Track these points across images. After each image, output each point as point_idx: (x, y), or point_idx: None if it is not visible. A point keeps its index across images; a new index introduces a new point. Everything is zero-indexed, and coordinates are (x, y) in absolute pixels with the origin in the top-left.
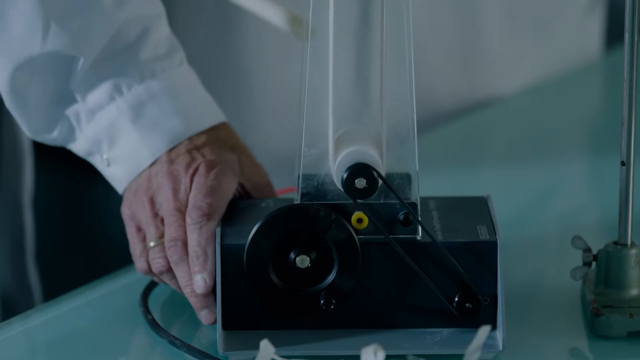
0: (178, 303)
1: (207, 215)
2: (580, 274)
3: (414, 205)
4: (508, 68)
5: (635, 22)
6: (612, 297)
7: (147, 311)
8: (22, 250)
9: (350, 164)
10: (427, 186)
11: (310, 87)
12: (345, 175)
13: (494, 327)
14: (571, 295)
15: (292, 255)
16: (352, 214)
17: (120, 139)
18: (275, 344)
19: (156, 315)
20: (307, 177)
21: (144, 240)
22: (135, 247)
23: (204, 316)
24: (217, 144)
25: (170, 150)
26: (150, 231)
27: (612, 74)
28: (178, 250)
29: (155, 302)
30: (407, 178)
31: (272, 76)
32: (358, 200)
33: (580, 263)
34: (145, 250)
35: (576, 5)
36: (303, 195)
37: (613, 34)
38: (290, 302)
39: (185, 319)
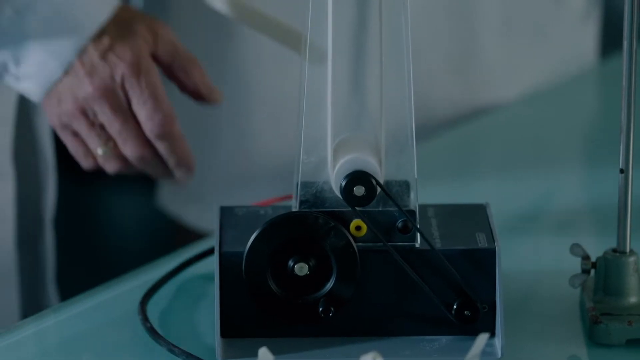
0: (177, 310)
1: (169, 124)
2: (579, 282)
3: (412, 212)
4: (505, 75)
5: (634, 28)
6: (610, 305)
7: (145, 319)
8: (42, 269)
9: (349, 172)
10: (425, 194)
11: (308, 95)
12: (343, 183)
13: (493, 335)
14: (570, 303)
15: (291, 263)
16: (350, 221)
17: (24, 57)
18: (274, 351)
19: (155, 322)
20: (305, 185)
21: (83, 143)
22: (77, 151)
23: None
24: (122, 35)
25: (81, 58)
26: (93, 140)
27: (608, 81)
28: (149, 162)
29: (154, 309)
30: (405, 185)
31: (270, 84)
32: (357, 208)
33: (579, 270)
34: (90, 152)
35: (572, 12)
36: (302, 203)
37: (608, 41)
38: (289, 309)
39: (184, 326)
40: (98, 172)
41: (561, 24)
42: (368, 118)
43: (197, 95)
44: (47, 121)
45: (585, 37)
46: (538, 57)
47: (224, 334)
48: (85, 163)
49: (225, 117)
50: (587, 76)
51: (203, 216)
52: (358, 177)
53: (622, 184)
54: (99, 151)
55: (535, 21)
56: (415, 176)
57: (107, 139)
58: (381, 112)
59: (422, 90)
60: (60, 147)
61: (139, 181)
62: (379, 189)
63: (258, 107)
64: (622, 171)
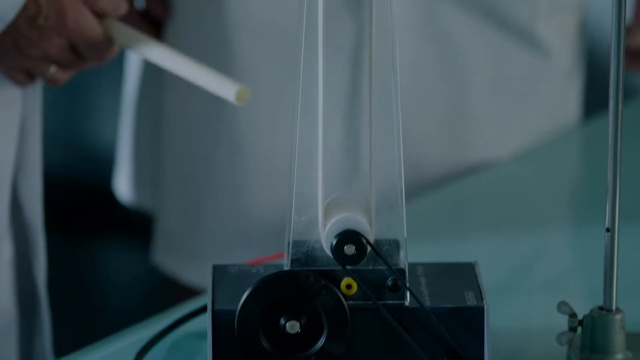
0: None
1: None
2: (566, 339)
3: (402, 271)
4: (494, 135)
5: (620, 89)
6: None
7: None
8: (39, 333)
9: (340, 231)
10: (415, 252)
11: (299, 155)
12: (334, 242)
13: None
14: None
15: (283, 321)
16: (341, 280)
17: None
18: None
19: None
20: (297, 244)
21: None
22: (22, 82)
23: None
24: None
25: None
26: (41, 68)
27: (591, 140)
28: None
29: None
30: (395, 244)
31: (264, 145)
32: (347, 267)
33: (566, 328)
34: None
35: (558, 71)
36: (293, 262)
37: (591, 100)
38: None
39: None
40: (93, 231)
41: (548, 83)
42: (358, 178)
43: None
44: (37, 188)
45: (570, 96)
46: (526, 117)
47: None
48: (29, 84)
49: (220, 176)
50: (571, 135)
51: (199, 273)
52: (348, 236)
53: (608, 242)
54: (52, 71)
55: (524, 81)
56: (405, 235)
57: (49, 60)
58: (370, 172)
59: (413, 149)
60: (55, 206)
61: (134, 239)
62: (369, 248)
63: (252, 166)
64: (608, 230)
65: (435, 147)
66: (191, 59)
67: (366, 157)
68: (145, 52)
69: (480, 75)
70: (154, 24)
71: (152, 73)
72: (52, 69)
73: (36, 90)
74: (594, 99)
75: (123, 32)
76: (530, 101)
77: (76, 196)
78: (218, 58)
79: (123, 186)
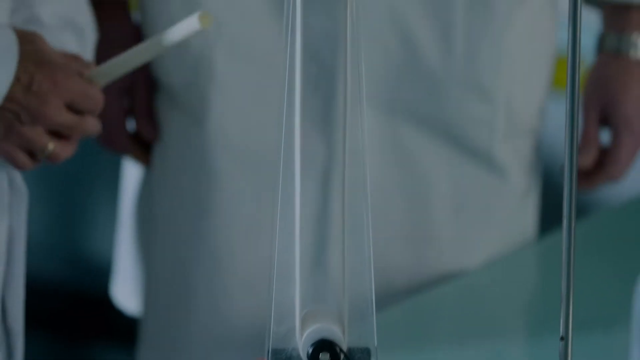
0: None
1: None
2: None
3: None
4: (456, 250)
5: (573, 207)
6: None
7: None
8: None
9: (315, 340)
10: (385, 358)
11: (278, 271)
12: (310, 350)
13: None
14: None
15: None
16: None
17: None
18: None
19: None
20: (276, 352)
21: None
22: (25, 162)
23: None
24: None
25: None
26: (41, 142)
27: (546, 255)
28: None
29: None
30: (367, 352)
31: (242, 258)
32: None
33: None
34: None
35: (514, 192)
36: None
37: (546, 218)
38: None
39: None
40: (86, 334)
41: (505, 202)
42: (332, 291)
43: None
44: (20, 297)
45: (526, 213)
46: (486, 233)
47: None
48: (31, 166)
49: (202, 286)
50: (528, 249)
51: None
52: (323, 345)
53: (562, 350)
54: (50, 148)
55: (483, 200)
56: (375, 344)
57: (49, 133)
58: (343, 286)
59: (380, 263)
60: (48, 309)
61: (123, 341)
62: (342, 356)
63: (232, 278)
64: (562, 339)
65: (400, 261)
66: (151, 38)
67: (339, 271)
68: (121, 70)
69: (441, 194)
70: (143, 144)
71: (146, 186)
72: (51, 145)
73: (21, 202)
74: (549, 216)
75: (99, 73)
76: (489, 219)
77: (69, 301)
78: (200, 177)
79: (121, 294)
